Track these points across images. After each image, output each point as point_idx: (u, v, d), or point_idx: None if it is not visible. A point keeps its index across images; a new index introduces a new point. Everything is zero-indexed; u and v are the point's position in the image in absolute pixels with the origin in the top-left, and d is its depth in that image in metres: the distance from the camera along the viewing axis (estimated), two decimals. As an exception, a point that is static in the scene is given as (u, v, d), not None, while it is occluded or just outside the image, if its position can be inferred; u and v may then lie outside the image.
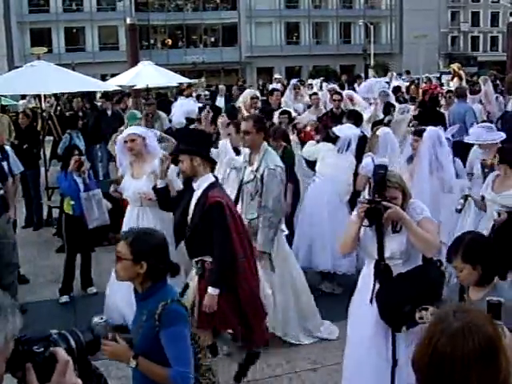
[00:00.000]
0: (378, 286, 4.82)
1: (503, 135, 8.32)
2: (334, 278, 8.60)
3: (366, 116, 11.54)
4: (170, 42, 68.31)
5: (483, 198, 7.19)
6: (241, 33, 68.48)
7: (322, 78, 25.94)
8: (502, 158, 7.09)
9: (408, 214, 4.77)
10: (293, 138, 10.42)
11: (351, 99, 13.76)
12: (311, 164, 9.28)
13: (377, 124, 10.62)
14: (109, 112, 16.06)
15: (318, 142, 9.49)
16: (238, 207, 6.60)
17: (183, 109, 11.98)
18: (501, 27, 70.16)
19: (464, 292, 4.28)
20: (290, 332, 7.08)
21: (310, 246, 8.49)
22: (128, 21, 30.63)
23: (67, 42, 64.33)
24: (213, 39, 70.30)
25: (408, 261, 4.80)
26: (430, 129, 7.69)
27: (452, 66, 19.90)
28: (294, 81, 18.40)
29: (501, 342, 2.22)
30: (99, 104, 17.98)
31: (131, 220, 7.13)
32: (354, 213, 4.96)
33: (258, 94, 14.12)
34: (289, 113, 11.02)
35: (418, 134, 7.77)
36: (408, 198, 4.90)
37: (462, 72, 19.57)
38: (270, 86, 25.04)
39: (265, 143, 6.86)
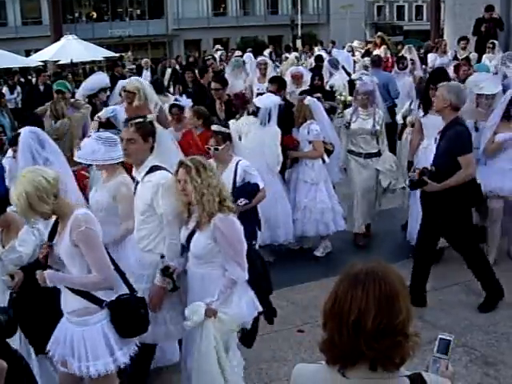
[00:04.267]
0: None
1: None
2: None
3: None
4: (94, 15, 66.72)
5: None
6: (167, 5, 67.32)
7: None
8: None
9: None
10: None
11: (299, 77, 12.26)
12: None
13: (303, 93, 10.59)
14: (41, 87, 15.77)
15: (237, 119, 8.64)
16: None
17: (84, 85, 11.32)
18: (425, -4, 71.27)
19: None
20: None
21: None
22: (50, -6, 29.89)
23: (-12, 17, 62.23)
24: (139, 12, 68.98)
25: None
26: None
27: (378, 34, 20.11)
28: (260, 58, 15.55)
29: (403, 289, 2.30)
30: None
31: None
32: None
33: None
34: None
35: None
36: None
37: (388, 42, 19.83)
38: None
39: None
